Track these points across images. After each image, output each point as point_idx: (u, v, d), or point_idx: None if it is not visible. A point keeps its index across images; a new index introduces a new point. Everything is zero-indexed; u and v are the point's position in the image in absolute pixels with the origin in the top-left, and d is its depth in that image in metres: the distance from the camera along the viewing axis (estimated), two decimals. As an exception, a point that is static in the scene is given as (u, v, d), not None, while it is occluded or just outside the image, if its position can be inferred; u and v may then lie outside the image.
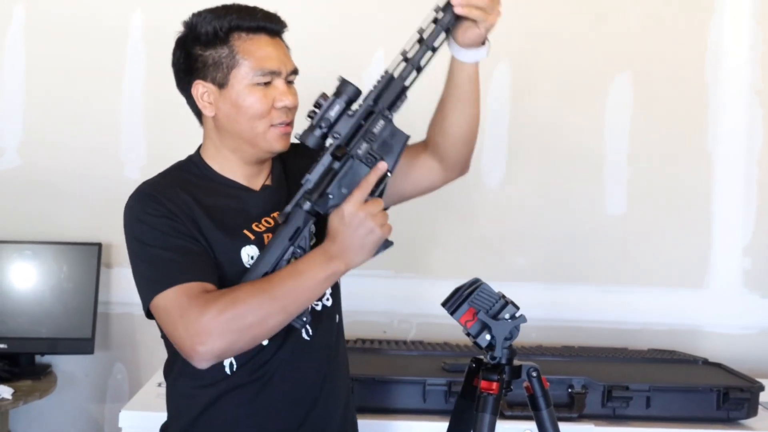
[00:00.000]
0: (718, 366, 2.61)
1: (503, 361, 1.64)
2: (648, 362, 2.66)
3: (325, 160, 1.61)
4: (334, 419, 1.77)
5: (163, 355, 2.86)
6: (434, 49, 1.65)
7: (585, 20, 3.10)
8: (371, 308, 3.09)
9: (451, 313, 1.65)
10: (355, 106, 1.62)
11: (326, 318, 1.73)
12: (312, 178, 1.61)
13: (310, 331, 1.69)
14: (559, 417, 2.23)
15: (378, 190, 1.61)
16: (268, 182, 1.75)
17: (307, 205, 1.59)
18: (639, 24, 3.11)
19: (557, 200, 3.12)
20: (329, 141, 1.62)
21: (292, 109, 1.68)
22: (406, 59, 1.64)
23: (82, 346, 2.88)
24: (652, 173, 3.12)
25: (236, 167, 1.72)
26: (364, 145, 1.60)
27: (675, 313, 3.13)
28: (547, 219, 3.12)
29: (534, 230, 3.12)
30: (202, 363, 1.55)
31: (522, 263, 3.12)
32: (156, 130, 3.06)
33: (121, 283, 3.04)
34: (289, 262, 1.60)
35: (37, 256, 2.90)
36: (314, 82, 1.80)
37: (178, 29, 1.74)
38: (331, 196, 1.59)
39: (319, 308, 1.72)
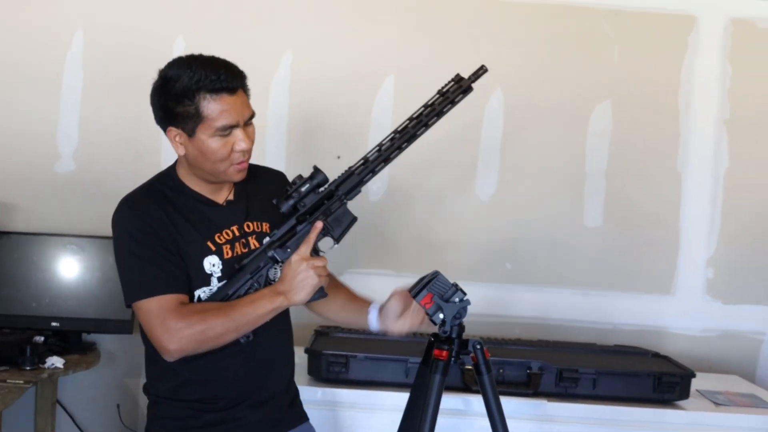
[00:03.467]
0: (665, 358, 3.00)
1: (453, 335, 2.06)
2: (605, 353, 3.06)
3: (291, 221, 2.08)
4: (281, 388, 2.19)
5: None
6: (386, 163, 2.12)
7: (571, 54, 3.50)
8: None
9: (414, 297, 2.06)
10: (321, 189, 2.08)
11: None
12: (278, 233, 2.08)
13: None
14: (517, 393, 2.70)
15: (326, 251, 2.10)
16: (231, 197, 2.14)
17: (270, 252, 2.05)
18: (619, 58, 3.50)
19: (541, 213, 3.52)
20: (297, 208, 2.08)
21: (247, 151, 2.03)
22: (365, 161, 2.11)
23: (123, 326, 3.31)
24: (627, 191, 3.52)
25: (203, 185, 2.11)
26: (321, 217, 2.07)
27: (644, 316, 3.50)
28: (532, 229, 3.52)
29: (520, 238, 3.52)
30: (170, 358, 2.00)
31: (509, 268, 3.52)
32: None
33: (158, 274, 3.48)
34: (246, 291, 2.04)
35: (88, 248, 3.34)
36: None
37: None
38: (289, 249, 2.05)
39: None
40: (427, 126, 2.12)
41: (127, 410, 3.53)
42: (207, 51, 3.45)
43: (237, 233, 2.09)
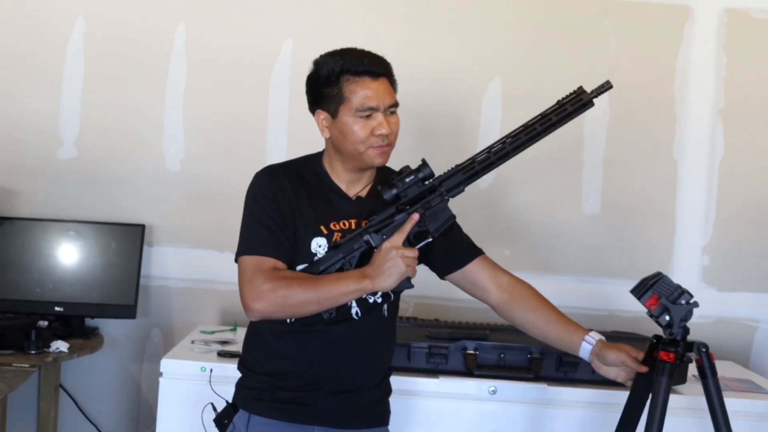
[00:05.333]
0: (662, 343, 3.05)
1: (678, 338, 2.07)
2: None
3: (391, 210, 2.12)
4: (365, 384, 2.19)
5: (192, 323, 3.38)
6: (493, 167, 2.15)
7: (568, 44, 3.54)
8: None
9: (638, 298, 2.09)
10: (425, 183, 2.12)
11: (374, 309, 2.17)
12: (377, 219, 2.12)
13: (360, 313, 2.14)
14: (518, 377, 2.74)
15: (419, 244, 2.11)
16: (363, 194, 2.19)
17: (366, 236, 2.09)
18: (616, 47, 3.54)
19: (540, 200, 3.56)
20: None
21: (387, 135, 2.09)
22: (473, 162, 2.13)
23: (126, 311, 3.36)
24: (624, 179, 3.55)
25: (342, 173, 2.18)
26: (420, 209, 2.10)
27: (638, 302, 3.54)
28: (531, 216, 3.56)
29: (519, 226, 3.56)
30: (251, 316, 2.08)
31: (507, 254, 3.55)
32: (194, 129, 3.53)
33: (160, 260, 3.53)
34: (337, 270, 2.08)
35: (91, 235, 3.38)
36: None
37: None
38: (384, 236, 2.09)
39: (371, 301, 2.16)
40: (539, 136, 2.14)
41: (130, 395, 3.57)
42: (207, 38, 3.52)
43: (353, 226, 2.14)
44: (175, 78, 3.52)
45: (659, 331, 3.45)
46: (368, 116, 2.07)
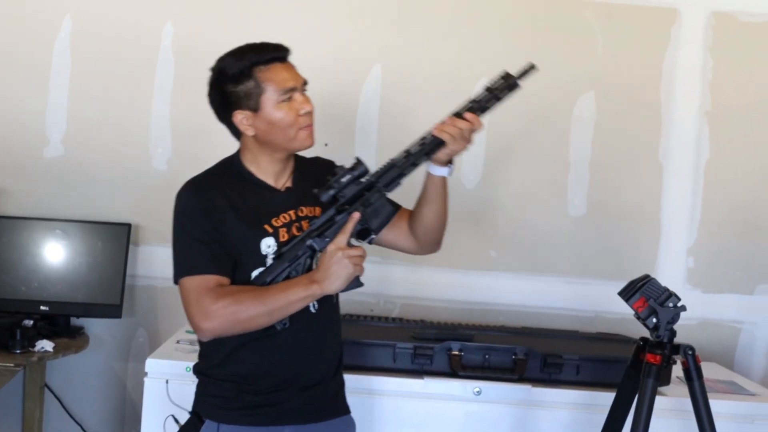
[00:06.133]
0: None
1: (665, 340, 2.09)
2: (589, 340, 3.12)
3: (331, 211, 2.11)
4: (326, 376, 2.21)
5: (178, 323, 3.37)
6: (428, 156, 2.13)
7: (555, 45, 3.53)
8: (361, 289, 3.50)
9: (626, 300, 2.12)
10: (362, 180, 2.11)
11: (327, 299, 2.17)
12: (317, 222, 2.11)
13: (317, 306, 2.14)
14: (503, 378, 2.74)
15: (365, 240, 2.12)
16: (289, 184, 2.20)
17: (309, 241, 2.09)
18: (603, 50, 3.55)
19: (526, 201, 3.57)
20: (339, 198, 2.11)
21: (311, 113, 2.13)
22: (408, 154, 2.13)
23: (112, 311, 3.35)
24: (610, 181, 3.56)
25: (269, 167, 2.17)
26: (360, 208, 2.10)
27: (625, 304, 3.54)
28: (516, 218, 3.56)
29: (505, 227, 3.56)
30: (203, 337, 2.08)
31: (493, 255, 3.56)
32: (180, 128, 3.52)
33: (146, 259, 3.52)
34: (284, 278, 2.07)
35: (78, 233, 3.37)
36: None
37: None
38: (327, 239, 2.08)
39: None
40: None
41: (115, 395, 3.56)
42: (194, 38, 3.51)
43: (293, 217, 2.14)
44: (163, 77, 3.52)
45: (645, 333, 3.50)
46: (289, 98, 2.09)
